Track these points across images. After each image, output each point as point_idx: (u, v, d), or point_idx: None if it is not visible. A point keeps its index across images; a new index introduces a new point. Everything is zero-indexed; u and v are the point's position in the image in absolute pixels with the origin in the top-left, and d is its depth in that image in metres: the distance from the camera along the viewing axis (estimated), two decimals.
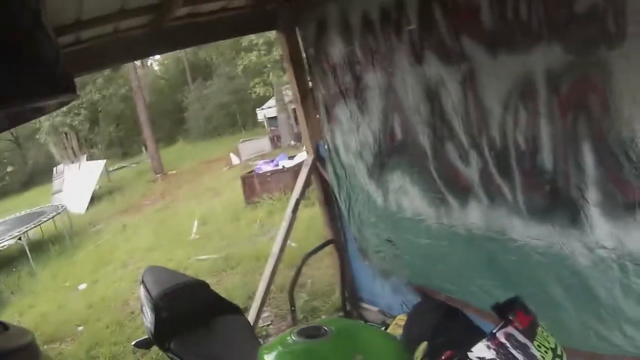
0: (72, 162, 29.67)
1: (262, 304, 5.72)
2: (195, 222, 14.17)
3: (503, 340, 1.78)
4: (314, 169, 5.44)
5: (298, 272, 4.95)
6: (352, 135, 4.59)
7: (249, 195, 14.23)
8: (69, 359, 7.64)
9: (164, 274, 3.79)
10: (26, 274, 14.64)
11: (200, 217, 14.57)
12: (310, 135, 5.40)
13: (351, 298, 5.75)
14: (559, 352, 1.88)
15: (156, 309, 3.31)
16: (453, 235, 3.65)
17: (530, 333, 1.84)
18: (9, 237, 16.27)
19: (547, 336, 1.90)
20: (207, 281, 9.02)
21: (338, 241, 5.34)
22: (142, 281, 3.62)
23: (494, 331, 1.81)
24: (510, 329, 1.81)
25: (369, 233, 4.82)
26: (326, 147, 5.12)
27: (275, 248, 5.63)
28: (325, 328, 2.47)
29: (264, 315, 6.76)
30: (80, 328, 9.02)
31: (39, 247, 17.02)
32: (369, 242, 4.89)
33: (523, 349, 1.79)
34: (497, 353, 1.76)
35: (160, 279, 3.58)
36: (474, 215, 3.40)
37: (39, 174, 40.30)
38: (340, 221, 5.55)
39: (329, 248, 5.46)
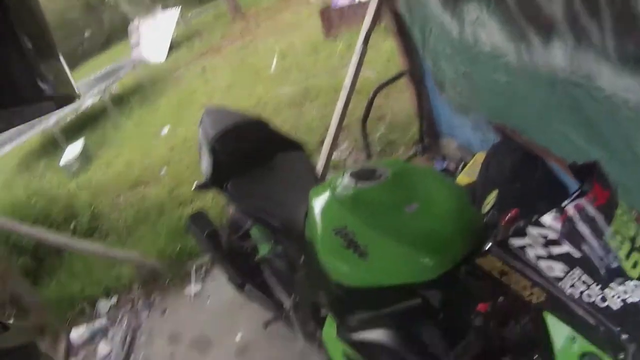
0: (147, 15, 29.68)
1: (335, 137, 5.74)
2: (274, 57, 14.12)
3: (572, 213, 1.51)
4: None
5: (370, 104, 4.87)
6: None
7: (327, 29, 13.93)
8: (151, 200, 8.03)
9: (221, 114, 3.71)
10: (111, 128, 15.22)
11: (280, 52, 14.49)
12: None
13: (429, 131, 5.72)
14: (638, 244, 1.53)
15: (213, 151, 3.31)
16: (534, 75, 3.35)
17: (608, 213, 1.53)
18: (91, 96, 16.75)
19: (627, 221, 1.55)
20: (286, 114, 9.33)
21: (413, 72, 5.20)
22: (201, 123, 3.60)
23: (563, 205, 1.52)
24: (583, 202, 1.51)
25: (445, 66, 4.60)
26: None
27: (347, 80, 5.55)
28: (381, 171, 2.32)
29: (342, 147, 6.94)
30: (162, 171, 9.44)
31: (121, 100, 17.48)
32: (445, 75, 4.68)
33: (595, 230, 1.51)
34: (562, 227, 1.50)
35: (218, 119, 3.53)
36: (557, 56, 3.06)
37: (116, 33, 40.52)
38: (416, 52, 5.28)
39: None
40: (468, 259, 1.90)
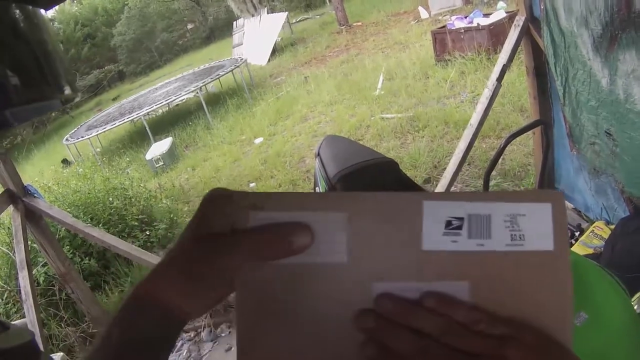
0: (253, 16, 30.25)
1: (452, 182, 5.33)
2: (380, 76, 13.97)
3: None
4: (525, 32, 4.75)
5: (499, 154, 4.48)
6: None
7: (439, 52, 13.52)
8: None
9: (345, 147, 3.20)
10: (202, 128, 15.38)
11: (386, 71, 14.31)
12: None
13: (546, 188, 5.28)
14: None
15: (332, 191, 2.84)
16: None
17: None
18: (186, 92, 17.00)
19: None
20: (389, 143, 9.00)
21: (548, 122, 4.83)
22: (318, 154, 3.28)
23: None
24: None
25: (586, 119, 4.18)
26: (542, 7, 4.39)
27: (474, 119, 5.08)
28: None
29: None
30: (252, 185, 9.33)
31: (217, 100, 17.73)
32: (584, 130, 4.28)
33: None
34: None
35: (340, 153, 3.03)
36: None
37: (219, 30, 41.99)
38: (550, 98, 4.91)
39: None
40: None
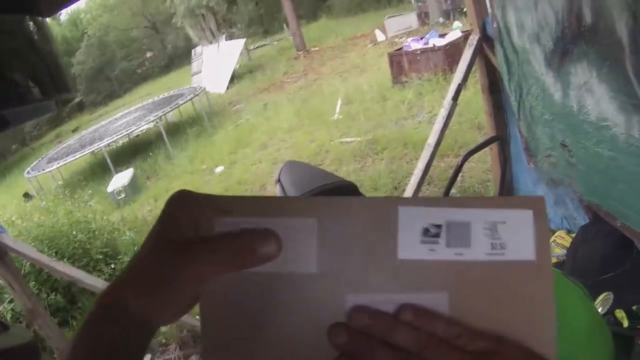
0: (211, 43, 30.41)
1: None
2: (339, 101, 14.06)
3: None
4: (479, 51, 4.78)
5: (457, 172, 4.51)
6: (529, 13, 3.84)
7: (396, 74, 13.70)
8: None
9: (305, 172, 3.25)
10: (163, 158, 15.37)
11: (344, 96, 14.42)
12: (475, 9, 4.68)
13: None
14: None
15: None
16: None
17: None
18: (146, 122, 17.03)
19: None
20: (349, 166, 9.02)
21: (504, 138, 4.88)
22: (279, 180, 3.27)
23: None
24: None
25: (541, 132, 4.22)
26: (495, 25, 4.43)
27: (432, 139, 5.06)
28: None
29: None
30: None
31: (177, 129, 17.73)
32: (539, 143, 4.31)
33: None
34: None
35: (300, 179, 3.09)
36: None
37: (178, 58, 42.19)
38: (506, 114, 4.98)
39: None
40: None
